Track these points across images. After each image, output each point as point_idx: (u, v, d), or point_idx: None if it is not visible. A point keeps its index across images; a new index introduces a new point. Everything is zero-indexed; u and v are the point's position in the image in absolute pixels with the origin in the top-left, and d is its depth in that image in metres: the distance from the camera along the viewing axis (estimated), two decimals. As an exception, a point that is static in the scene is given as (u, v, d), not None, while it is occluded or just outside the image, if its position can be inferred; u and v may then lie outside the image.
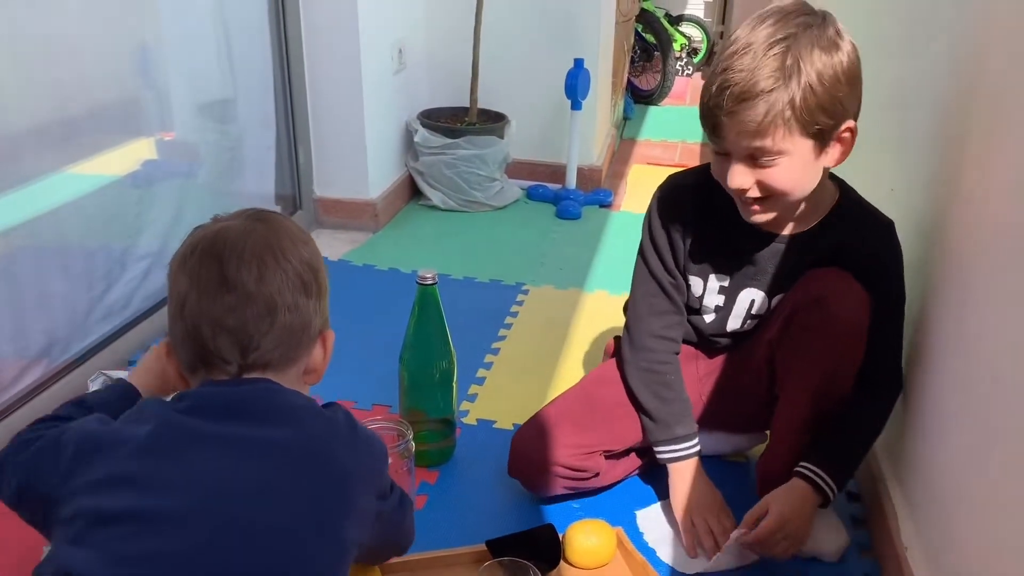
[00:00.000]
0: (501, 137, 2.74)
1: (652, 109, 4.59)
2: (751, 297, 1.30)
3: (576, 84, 2.73)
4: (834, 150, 1.13)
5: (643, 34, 4.59)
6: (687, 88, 5.10)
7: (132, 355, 1.83)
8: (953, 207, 1.15)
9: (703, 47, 5.91)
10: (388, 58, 2.60)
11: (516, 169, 2.94)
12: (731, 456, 1.51)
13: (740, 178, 1.13)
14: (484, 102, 2.82)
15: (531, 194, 2.92)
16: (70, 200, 1.74)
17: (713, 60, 1.17)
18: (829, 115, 1.08)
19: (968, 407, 1.04)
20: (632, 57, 4.45)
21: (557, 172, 2.97)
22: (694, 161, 3.58)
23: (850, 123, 1.11)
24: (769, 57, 1.05)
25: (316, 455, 0.81)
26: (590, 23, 2.89)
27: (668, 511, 1.36)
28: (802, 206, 1.21)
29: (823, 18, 1.09)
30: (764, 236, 1.26)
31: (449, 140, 2.67)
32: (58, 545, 0.77)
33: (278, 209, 2.51)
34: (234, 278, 0.81)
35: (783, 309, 1.26)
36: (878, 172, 1.61)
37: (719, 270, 1.31)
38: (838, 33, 1.09)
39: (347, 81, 2.44)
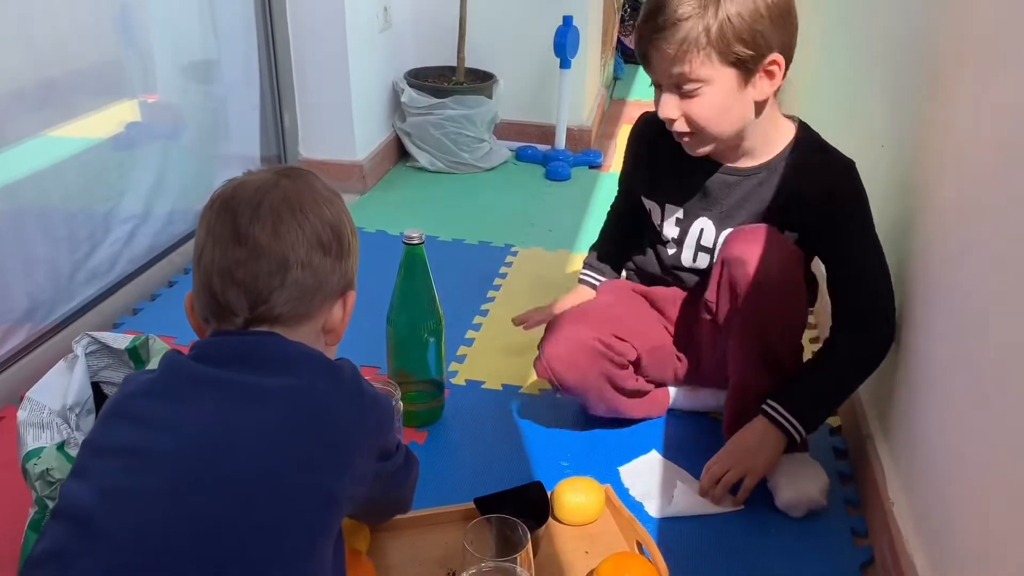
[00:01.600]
0: (489, 97, 2.71)
1: (642, 70, 4.55)
2: (701, 226, 1.34)
3: (565, 42, 2.69)
4: (762, 82, 1.18)
5: (633, -8, 4.53)
6: (678, 48, 5.04)
7: (117, 318, 1.82)
8: (944, 160, 1.14)
9: (694, 6, 5.84)
10: (373, 16, 2.56)
11: (504, 130, 2.92)
12: (716, 413, 1.51)
13: (667, 108, 1.21)
14: (472, 61, 2.79)
15: (520, 155, 2.89)
16: (52, 163, 1.72)
17: None
18: (748, 45, 1.14)
19: (955, 361, 1.04)
20: (622, 16, 4.39)
21: (546, 133, 2.95)
22: (684, 121, 3.55)
23: (775, 56, 1.17)
24: None
25: (314, 407, 0.80)
26: (579, -20, 2.84)
27: (650, 465, 1.38)
28: (747, 140, 1.26)
29: None
30: (711, 165, 1.31)
31: (436, 100, 2.63)
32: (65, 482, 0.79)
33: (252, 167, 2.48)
34: (246, 232, 0.81)
35: (716, 266, 1.28)
36: (870, 127, 1.60)
37: (672, 199, 1.37)
38: None
39: (332, 40, 2.40)
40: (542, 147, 2.91)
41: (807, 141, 1.27)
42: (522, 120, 2.98)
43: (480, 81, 2.76)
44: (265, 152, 2.50)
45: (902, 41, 1.44)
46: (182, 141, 2.17)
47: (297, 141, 2.55)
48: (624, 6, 4.43)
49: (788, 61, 1.19)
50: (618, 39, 4.28)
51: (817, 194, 1.23)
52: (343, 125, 2.51)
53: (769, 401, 1.25)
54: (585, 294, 1.52)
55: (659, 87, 1.23)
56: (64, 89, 1.74)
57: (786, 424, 1.24)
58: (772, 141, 1.27)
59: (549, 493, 1.23)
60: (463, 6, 2.65)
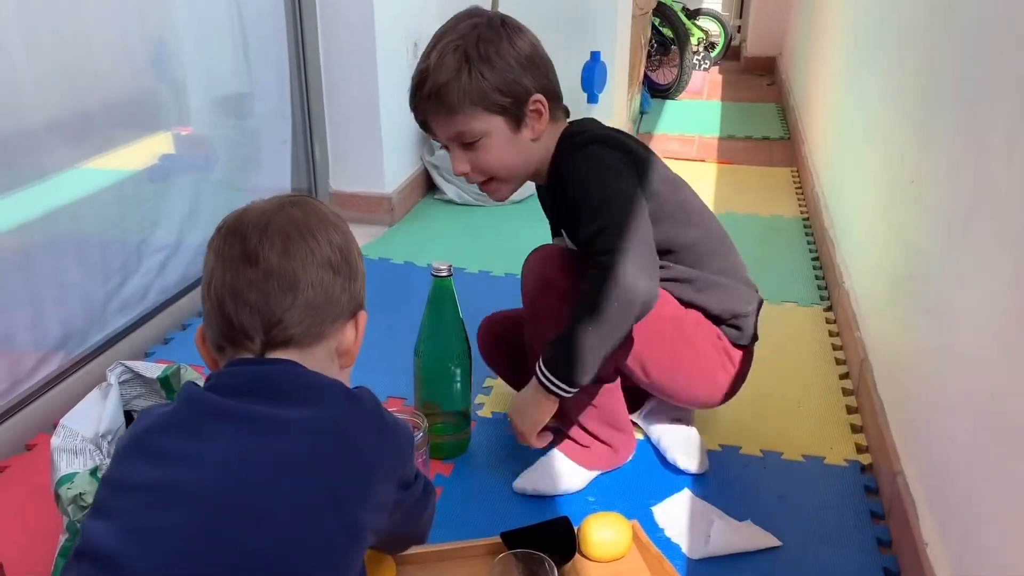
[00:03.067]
0: (517, 131, 2.73)
1: (669, 103, 4.57)
2: (566, 243, 1.42)
3: (593, 77, 2.72)
4: (532, 122, 1.29)
5: (660, 28, 4.57)
6: (704, 83, 5.07)
7: (149, 347, 1.84)
8: (979, 197, 1.14)
9: (720, 41, 5.87)
10: (404, 51, 2.60)
11: (532, 163, 2.93)
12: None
13: (459, 164, 1.30)
14: (500, 96, 2.82)
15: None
16: (87, 194, 1.75)
17: None
18: (506, 94, 1.25)
19: (977, 397, 1.02)
20: (649, 51, 4.42)
21: (573, 166, 2.96)
22: (712, 155, 3.56)
23: (536, 97, 1.27)
24: (445, 56, 1.23)
25: (337, 437, 0.79)
26: (607, 16, 2.87)
27: (683, 503, 1.36)
28: (538, 165, 1.34)
29: (490, 18, 1.27)
30: (541, 190, 1.45)
31: (465, 134, 2.66)
32: (85, 521, 0.78)
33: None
34: (255, 252, 0.82)
35: None
36: (901, 162, 1.59)
37: (555, 230, 1.49)
38: (507, 26, 1.26)
39: (363, 75, 2.44)
40: (569, 180, 2.92)
41: (562, 145, 1.34)
42: (549, 153, 3.00)
43: (508, 115, 2.79)
44: (296, 184, 2.53)
45: (933, 74, 1.44)
46: (214, 173, 2.20)
47: (328, 174, 2.58)
48: (652, 41, 4.46)
49: (551, 96, 1.30)
50: (645, 74, 4.31)
51: (567, 182, 1.30)
52: (373, 158, 2.54)
53: (539, 362, 1.26)
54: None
55: (447, 147, 1.32)
56: (101, 121, 1.78)
57: (543, 379, 1.24)
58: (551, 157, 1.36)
59: (576, 528, 1.22)
60: (492, 41, 2.69)
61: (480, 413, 1.60)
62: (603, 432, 1.39)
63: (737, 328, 1.40)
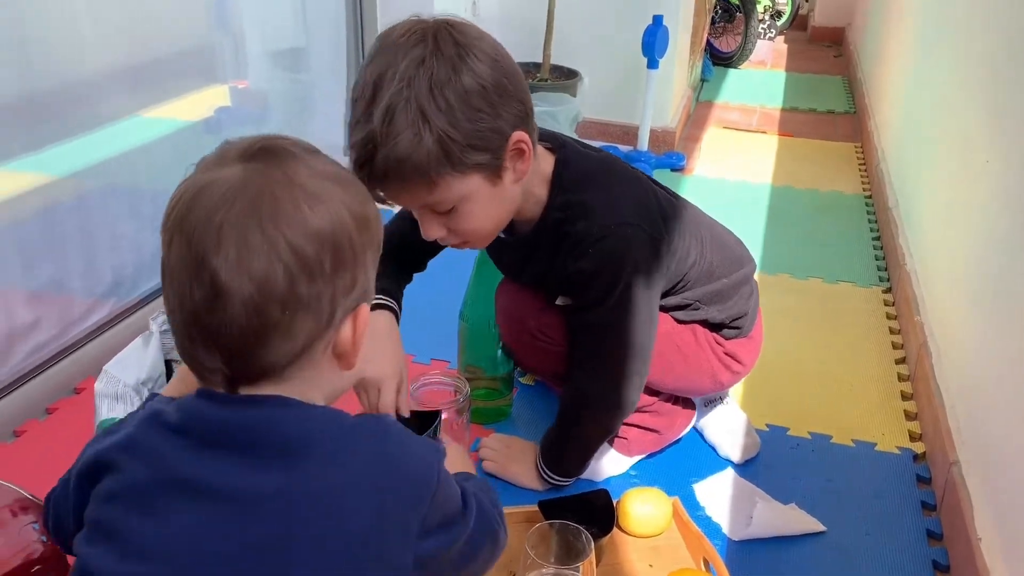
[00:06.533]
0: (573, 95, 2.68)
1: (731, 72, 4.45)
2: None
3: (654, 42, 2.64)
4: (514, 164, 1.04)
5: (726, -6, 4.44)
6: (770, 52, 4.93)
7: (197, 298, 1.85)
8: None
9: (788, 10, 5.70)
10: (462, 9, 2.56)
11: (587, 128, 2.88)
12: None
13: (431, 230, 1.06)
14: (557, 58, 2.76)
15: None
16: (143, 143, 1.76)
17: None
18: (480, 149, 0.98)
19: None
20: (712, 17, 4.31)
21: (629, 133, 2.90)
22: (773, 127, 3.46)
23: (516, 135, 1.01)
24: (394, 117, 0.93)
25: (320, 513, 0.63)
26: (671, -22, 2.79)
27: (726, 482, 1.33)
28: (516, 209, 1.12)
29: (435, 39, 0.95)
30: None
31: (520, 96, 2.61)
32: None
33: (345, 161, 2.50)
34: (206, 264, 0.61)
35: None
36: (970, 139, 1.52)
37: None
38: (460, 48, 0.95)
39: (419, 32, 2.40)
40: (624, 147, 2.87)
41: (564, 204, 1.14)
42: (605, 119, 2.95)
43: (564, 78, 2.73)
44: (348, 141, 2.51)
45: (1006, 49, 1.36)
46: (268, 127, 2.20)
47: (379, 132, 2.56)
48: (716, 7, 4.34)
49: (529, 126, 1.03)
50: (707, 41, 4.20)
51: (569, 270, 1.14)
52: (426, 117, 2.51)
53: (542, 442, 1.31)
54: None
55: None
56: (160, 72, 1.78)
57: (542, 471, 1.30)
58: (536, 195, 1.14)
59: (615, 502, 1.20)
60: (552, 2, 2.62)
61: (522, 380, 1.58)
62: (643, 420, 1.35)
63: (738, 328, 1.33)
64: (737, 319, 1.32)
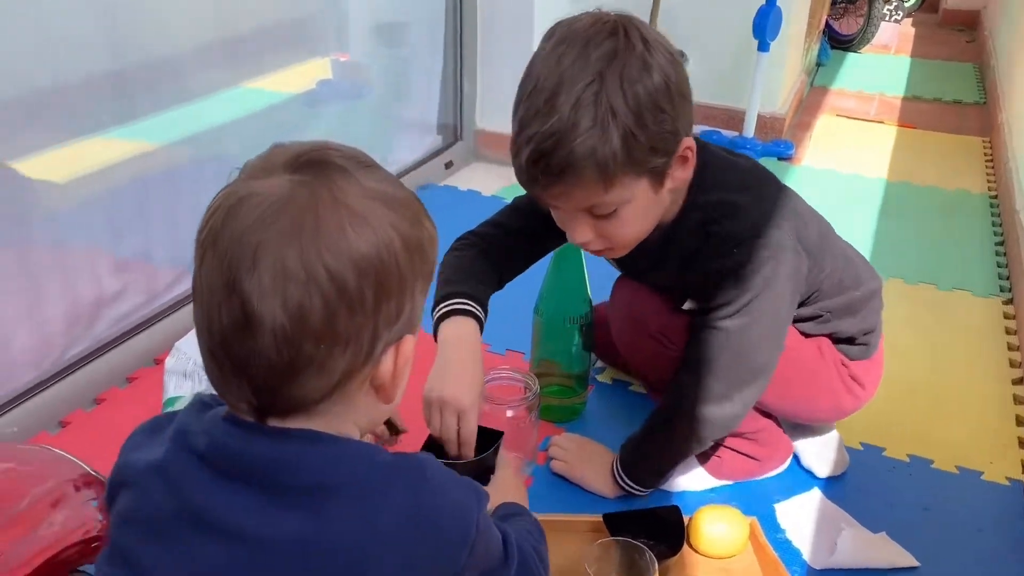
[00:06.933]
0: (677, 77, 2.58)
1: (850, 56, 4.23)
2: None
3: (766, 23, 2.51)
4: (677, 172, 1.01)
5: (850, -28, 4.21)
6: (895, 35, 4.65)
7: (282, 273, 1.86)
8: None
9: (918, -10, 5.37)
10: (565, -14, 2.49)
11: (690, 112, 2.78)
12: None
13: (581, 234, 1.03)
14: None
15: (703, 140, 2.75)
16: (244, 116, 1.78)
17: (520, 102, 0.98)
18: (660, 152, 0.96)
19: None
20: (834, -2, 4.09)
21: (735, 118, 2.78)
22: (892, 116, 3.27)
23: (686, 141, 0.99)
24: (582, 110, 0.90)
25: (338, 561, 0.58)
26: (789, -44, 2.64)
27: (811, 505, 1.24)
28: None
29: (625, 33, 0.93)
30: None
31: (620, 77, 2.53)
32: None
33: (439, 140, 2.49)
34: (237, 288, 0.56)
35: None
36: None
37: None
38: (646, 45, 0.93)
39: (519, 11, 2.35)
40: (728, 133, 2.75)
41: (703, 206, 1.08)
42: (709, 102, 2.82)
43: (669, 59, 2.63)
44: (443, 120, 2.49)
45: None
46: (366, 101, 2.21)
47: (475, 111, 2.53)
48: (838, -13, 4.13)
49: (691, 133, 1.01)
50: (827, 23, 4.00)
51: (705, 268, 1.08)
52: (523, 97, 2.46)
53: (624, 446, 1.22)
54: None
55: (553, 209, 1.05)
56: (263, 43, 1.80)
57: (617, 475, 1.21)
58: (675, 197, 1.09)
59: (687, 519, 1.13)
60: (659, -21, 2.52)
61: (599, 378, 1.52)
62: (743, 446, 1.26)
63: (865, 344, 1.23)
64: (867, 333, 1.23)
